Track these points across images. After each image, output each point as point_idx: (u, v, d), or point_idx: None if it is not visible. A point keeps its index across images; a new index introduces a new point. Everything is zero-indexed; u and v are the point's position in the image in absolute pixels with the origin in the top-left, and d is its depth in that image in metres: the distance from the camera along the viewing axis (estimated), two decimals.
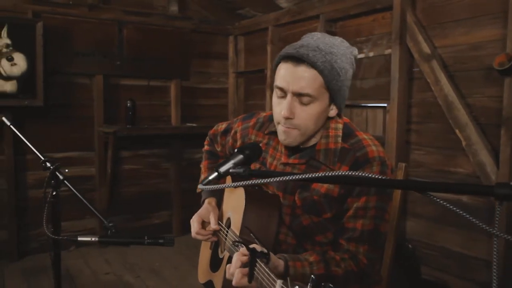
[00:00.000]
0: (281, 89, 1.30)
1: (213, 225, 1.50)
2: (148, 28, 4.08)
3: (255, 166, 1.48)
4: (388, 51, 3.01)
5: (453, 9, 2.62)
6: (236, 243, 1.17)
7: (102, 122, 3.91)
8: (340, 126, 1.37)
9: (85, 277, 3.35)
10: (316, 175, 0.90)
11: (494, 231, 0.83)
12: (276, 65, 1.34)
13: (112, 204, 4.06)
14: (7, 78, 3.37)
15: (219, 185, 1.02)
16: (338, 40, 1.35)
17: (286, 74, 1.28)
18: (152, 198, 4.29)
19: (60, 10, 3.65)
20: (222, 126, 1.73)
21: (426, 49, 2.69)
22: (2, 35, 3.32)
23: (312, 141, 1.38)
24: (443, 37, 2.67)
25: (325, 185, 1.31)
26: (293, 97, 1.28)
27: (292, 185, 1.36)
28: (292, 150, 1.40)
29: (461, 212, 0.87)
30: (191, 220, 1.55)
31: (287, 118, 1.29)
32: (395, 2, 2.82)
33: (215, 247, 1.63)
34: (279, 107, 1.32)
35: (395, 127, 2.84)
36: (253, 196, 1.37)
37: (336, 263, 1.25)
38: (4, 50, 3.34)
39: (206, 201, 1.62)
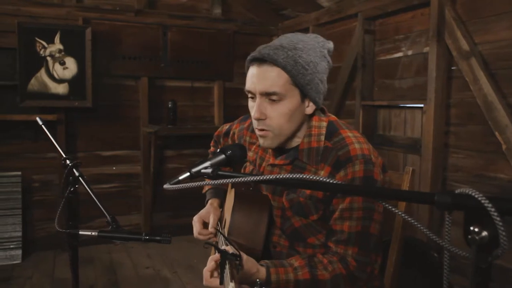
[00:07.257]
0: (249, 91, 1.31)
1: (210, 228, 1.52)
2: (192, 31, 4.20)
3: (249, 168, 1.48)
4: (427, 49, 2.85)
5: (495, 2, 2.43)
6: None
7: (147, 122, 4.07)
8: (324, 124, 1.33)
9: (126, 270, 3.51)
10: (271, 177, 0.89)
11: (443, 243, 0.77)
12: (247, 71, 1.34)
13: (156, 201, 4.23)
14: (60, 81, 3.64)
15: (186, 184, 1.03)
16: (309, 37, 1.32)
17: (252, 76, 1.29)
18: (193, 197, 4.37)
19: (108, 16, 3.87)
20: (225, 127, 1.74)
21: (465, 46, 2.52)
22: (55, 41, 3.58)
23: (296, 141, 1.35)
24: (483, 33, 2.49)
25: None
26: (262, 98, 1.28)
27: (280, 187, 1.34)
28: (278, 151, 1.39)
29: (414, 221, 0.82)
30: (193, 221, 1.58)
31: (259, 119, 1.28)
32: None
33: None
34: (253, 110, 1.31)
35: (431, 129, 2.69)
36: (243, 197, 1.38)
37: (323, 267, 1.22)
38: (57, 55, 3.60)
39: (209, 202, 1.64)
